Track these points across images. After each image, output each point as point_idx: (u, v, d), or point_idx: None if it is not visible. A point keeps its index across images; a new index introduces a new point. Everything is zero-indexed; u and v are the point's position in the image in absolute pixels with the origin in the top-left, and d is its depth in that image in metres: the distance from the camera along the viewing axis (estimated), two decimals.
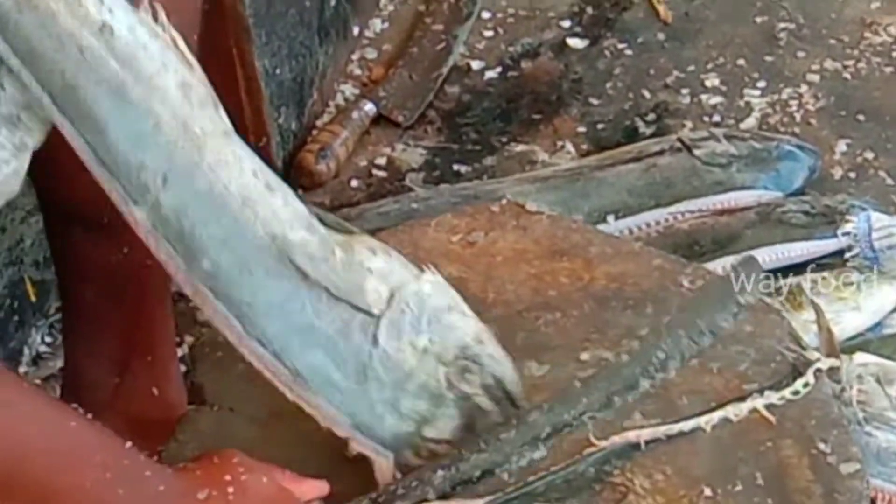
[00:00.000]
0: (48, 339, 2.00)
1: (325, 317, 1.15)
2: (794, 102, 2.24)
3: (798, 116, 2.22)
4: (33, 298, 1.94)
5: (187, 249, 1.13)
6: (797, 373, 1.29)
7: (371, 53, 2.42)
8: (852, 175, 2.12)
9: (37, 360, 2.00)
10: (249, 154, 1.19)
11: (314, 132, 2.26)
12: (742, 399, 1.26)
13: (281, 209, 1.18)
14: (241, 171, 1.18)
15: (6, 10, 1.05)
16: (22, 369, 1.97)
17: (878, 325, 1.83)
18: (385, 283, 1.17)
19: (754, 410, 1.25)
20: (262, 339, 1.14)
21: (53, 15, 1.06)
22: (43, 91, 1.08)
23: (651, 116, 2.25)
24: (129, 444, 1.14)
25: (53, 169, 1.48)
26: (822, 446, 1.25)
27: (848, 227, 1.95)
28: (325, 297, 1.16)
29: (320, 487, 1.21)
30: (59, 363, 1.96)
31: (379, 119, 2.30)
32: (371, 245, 1.21)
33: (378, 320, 1.16)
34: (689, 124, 2.22)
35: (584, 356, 1.34)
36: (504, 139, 2.25)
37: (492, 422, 1.19)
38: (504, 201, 1.52)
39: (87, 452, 1.12)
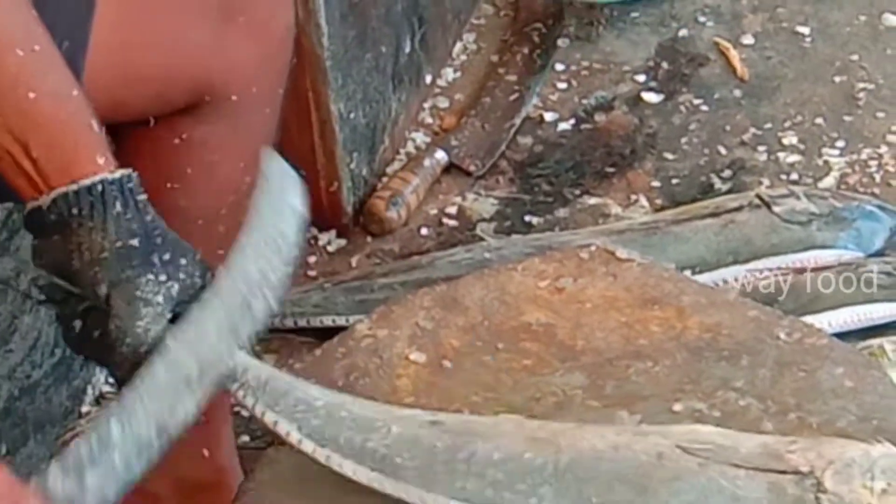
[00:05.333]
0: (111, 380, 1.98)
1: (748, 486, 1.12)
2: (873, 163, 2.21)
3: (878, 177, 2.19)
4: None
5: None
6: None
7: (443, 102, 2.40)
8: None
9: (100, 399, 1.98)
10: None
11: (385, 179, 2.24)
12: None
13: (645, 438, 1.18)
14: (597, 434, 1.19)
15: None
16: (84, 408, 1.96)
17: None
18: (810, 450, 1.14)
19: None
20: None
21: None
22: None
23: (727, 173, 2.22)
24: None
25: None
26: None
27: None
28: (742, 472, 1.13)
29: None
30: None
31: (450, 168, 2.27)
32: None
33: (817, 473, 1.12)
34: (766, 182, 2.19)
35: (677, 407, 1.30)
36: (577, 191, 2.22)
37: None
38: (593, 247, 1.48)
39: None
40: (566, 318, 1.41)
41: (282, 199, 1.22)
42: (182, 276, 1.16)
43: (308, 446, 1.20)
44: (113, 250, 1.13)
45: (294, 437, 1.20)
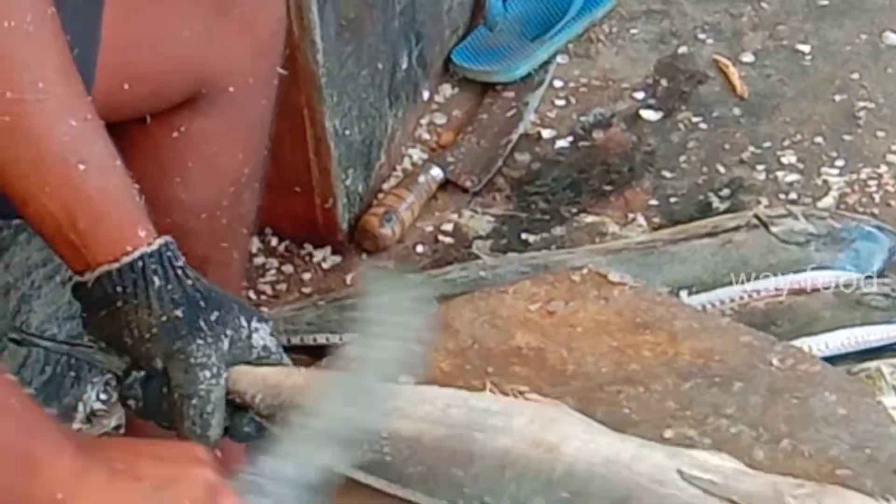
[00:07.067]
0: (103, 397, 1.98)
1: None
2: (873, 183, 2.19)
3: (877, 197, 2.17)
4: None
5: None
6: None
7: (440, 118, 2.38)
8: None
9: (91, 417, 1.97)
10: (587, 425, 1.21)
11: (380, 195, 2.23)
12: None
13: (650, 455, 1.16)
14: (593, 444, 1.18)
15: None
16: (76, 426, 1.94)
17: None
18: (811, 497, 1.12)
19: None
20: None
21: None
22: None
23: (725, 192, 2.20)
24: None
25: None
26: None
27: None
28: None
29: None
30: (114, 421, 1.93)
31: (446, 184, 2.26)
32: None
33: None
34: (765, 201, 2.17)
35: (668, 433, 1.28)
36: (574, 209, 2.20)
37: None
38: (585, 270, 1.46)
39: None
40: (557, 342, 1.40)
41: (403, 301, 1.25)
42: (230, 331, 1.19)
43: None
44: (160, 325, 1.17)
45: None
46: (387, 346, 1.22)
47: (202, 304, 1.19)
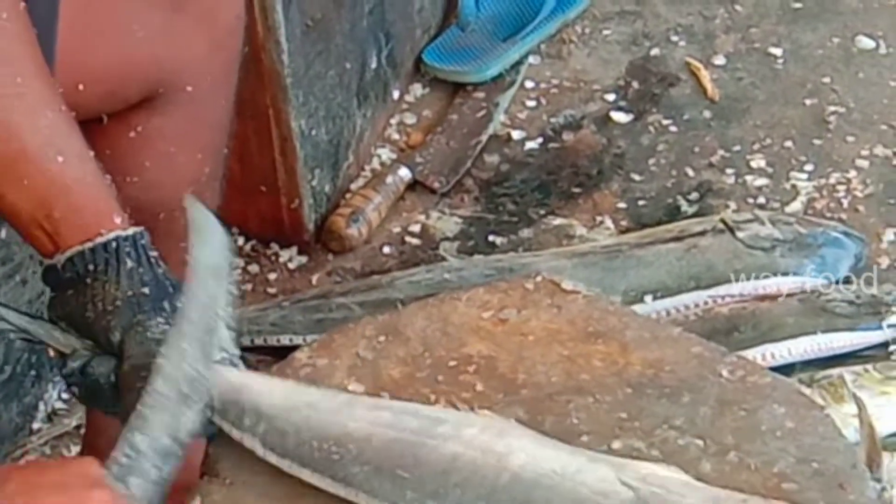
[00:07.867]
0: (64, 396, 1.96)
1: None
2: (841, 188, 2.19)
3: (845, 202, 2.16)
4: (52, 353, 1.89)
5: None
6: None
7: (410, 118, 2.37)
8: None
9: (52, 416, 1.96)
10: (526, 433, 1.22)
11: (348, 196, 2.22)
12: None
13: (595, 468, 1.17)
14: (541, 455, 1.19)
15: None
16: (36, 425, 1.93)
17: None
18: None
19: None
20: None
21: None
22: None
23: (694, 195, 2.20)
24: None
25: None
26: None
27: (894, 319, 1.89)
28: None
29: None
30: (75, 421, 1.92)
31: (415, 185, 2.25)
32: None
33: None
34: (733, 205, 2.17)
35: (616, 444, 1.28)
36: (542, 211, 2.20)
37: None
38: (539, 278, 1.45)
39: None
40: (508, 350, 1.39)
41: (212, 236, 1.24)
42: None
43: (272, 458, 1.23)
44: (125, 299, 1.17)
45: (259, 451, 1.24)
46: (211, 294, 1.21)
47: (171, 289, 1.19)
